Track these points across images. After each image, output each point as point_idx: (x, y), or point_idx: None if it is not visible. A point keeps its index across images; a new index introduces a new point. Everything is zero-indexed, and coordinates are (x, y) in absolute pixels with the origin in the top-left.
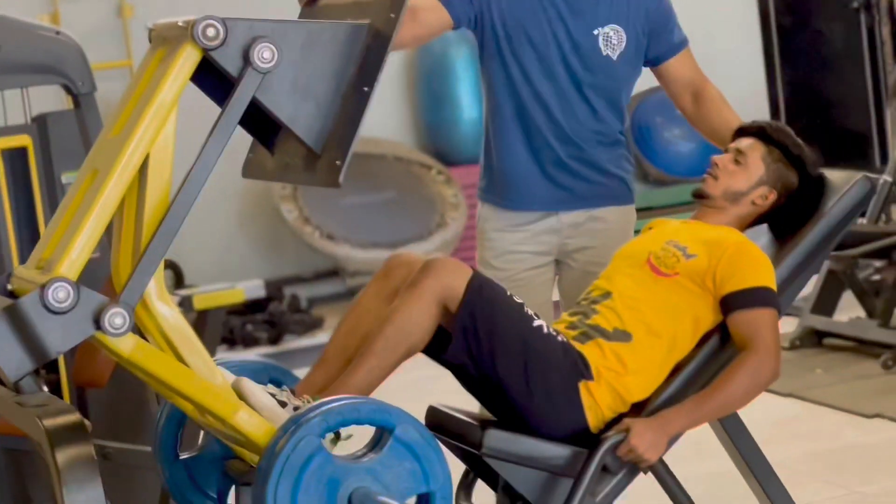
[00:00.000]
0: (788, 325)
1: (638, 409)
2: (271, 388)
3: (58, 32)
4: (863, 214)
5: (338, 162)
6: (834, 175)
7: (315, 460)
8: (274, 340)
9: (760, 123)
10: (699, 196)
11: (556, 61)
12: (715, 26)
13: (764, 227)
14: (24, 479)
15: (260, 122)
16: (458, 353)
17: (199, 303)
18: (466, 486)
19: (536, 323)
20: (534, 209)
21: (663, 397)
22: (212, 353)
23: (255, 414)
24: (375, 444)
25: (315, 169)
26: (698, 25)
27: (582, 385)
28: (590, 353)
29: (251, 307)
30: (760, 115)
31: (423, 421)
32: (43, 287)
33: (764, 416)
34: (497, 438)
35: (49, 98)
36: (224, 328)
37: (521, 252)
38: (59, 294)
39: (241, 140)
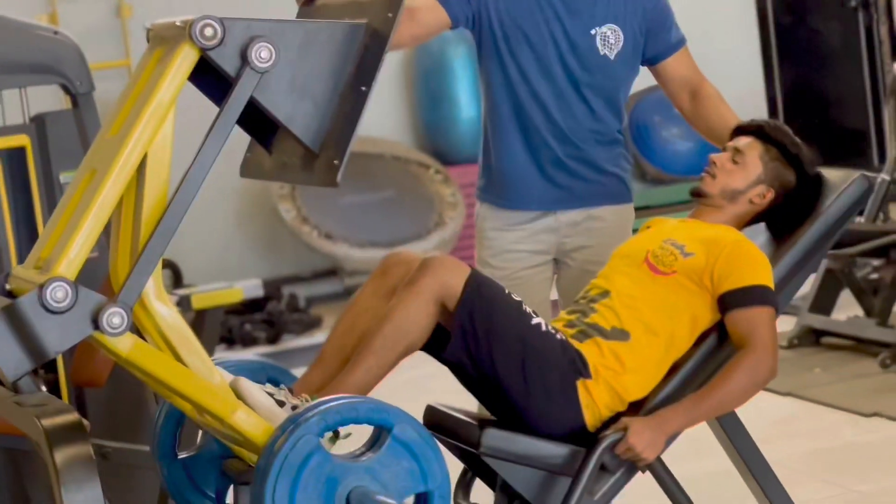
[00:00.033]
0: (786, 324)
1: (636, 408)
2: (269, 387)
3: (56, 32)
4: (861, 213)
5: (335, 161)
6: (831, 174)
7: (313, 459)
8: (272, 340)
9: (759, 122)
10: (697, 195)
11: (554, 61)
12: (713, 25)
13: (761, 225)
14: (22, 479)
15: (258, 122)
16: (457, 352)
17: (198, 302)
18: (465, 485)
19: (535, 321)
20: (532, 208)
21: (661, 396)
22: (210, 352)
23: (254, 413)
24: (374, 443)
25: (313, 168)
26: (696, 24)
27: (580, 383)
28: (588, 351)
29: (249, 306)
30: (758, 113)
31: (421, 420)
32: (41, 287)
33: (762, 414)
34: (495, 437)
35: (47, 98)
36: (222, 327)
37: (520, 251)
38: (58, 294)
39: (239, 140)
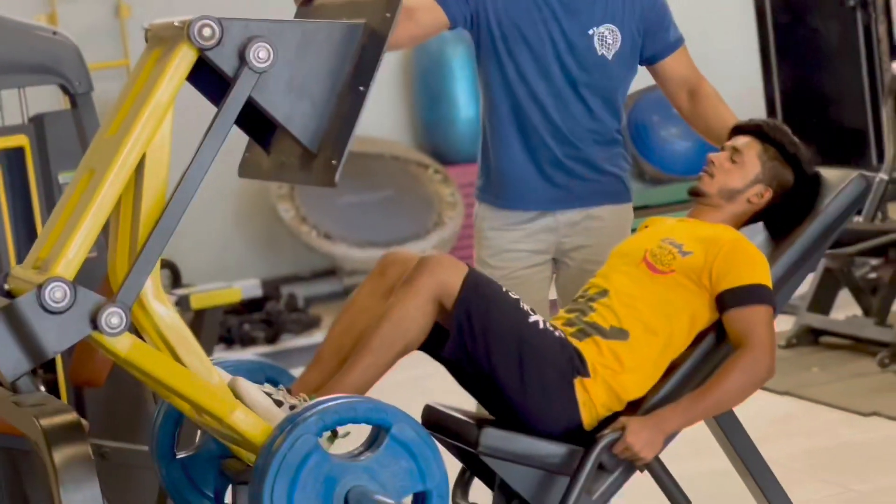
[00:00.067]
0: (785, 324)
1: (633, 407)
2: (267, 387)
3: (55, 33)
4: (859, 212)
5: (334, 161)
6: (829, 173)
7: (312, 459)
8: (271, 340)
9: (757, 122)
10: (695, 194)
11: (552, 61)
12: (711, 24)
13: (759, 225)
14: (21, 479)
15: (256, 122)
16: (454, 350)
17: (197, 302)
18: (463, 484)
19: (532, 318)
20: (530, 208)
21: (659, 396)
22: (209, 352)
23: (252, 413)
24: (372, 442)
25: (311, 168)
26: (694, 24)
27: (577, 381)
28: (587, 350)
29: (248, 306)
30: (757, 113)
31: (419, 420)
32: (40, 287)
33: (760, 414)
34: (493, 437)
35: (46, 98)
36: (221, 327)
37: (518, 250)
38: (56, 294)
39: (238, 139)
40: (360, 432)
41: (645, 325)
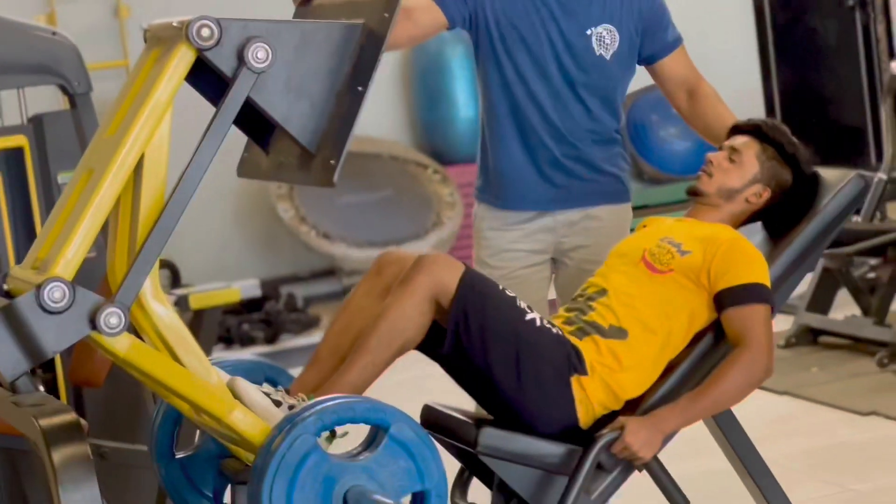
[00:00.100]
0: (784, 323)
1: (631, 406)
2: (266, 387)
3: (54, 33)
4: (858, 212)
5: (332, 161)
6: (828, 173)
7: (310, 459)
8: (271, 340)
9: (756, 121)
10: (693, 193)
11: (550, 61)
12: (710, 24)
13: (758, 224)
14: (20, 479)
15: (255, 122)
16: (451, 348)
17: (196, 302)
18: (462, 484)
19: (529, 316)
20: (529, 208)
21: (657, 396)
22: (208, 352)
23: (251, 413)
24: (371, 442)
25: (310, 168)
26: (693, 23)
27: (574, 379)
28: (585, 348)
29: (248, 306)
30: (756, 112)
31: (418, 419)
32: (39, 287)
33: (759, 413)
34: (492, 436)
35: (45, 98)
36: (221, 327)
37: (517, 250)
38: (55, 294)
39: (237, 139)
40: (359, 432)
41: (644, 324)
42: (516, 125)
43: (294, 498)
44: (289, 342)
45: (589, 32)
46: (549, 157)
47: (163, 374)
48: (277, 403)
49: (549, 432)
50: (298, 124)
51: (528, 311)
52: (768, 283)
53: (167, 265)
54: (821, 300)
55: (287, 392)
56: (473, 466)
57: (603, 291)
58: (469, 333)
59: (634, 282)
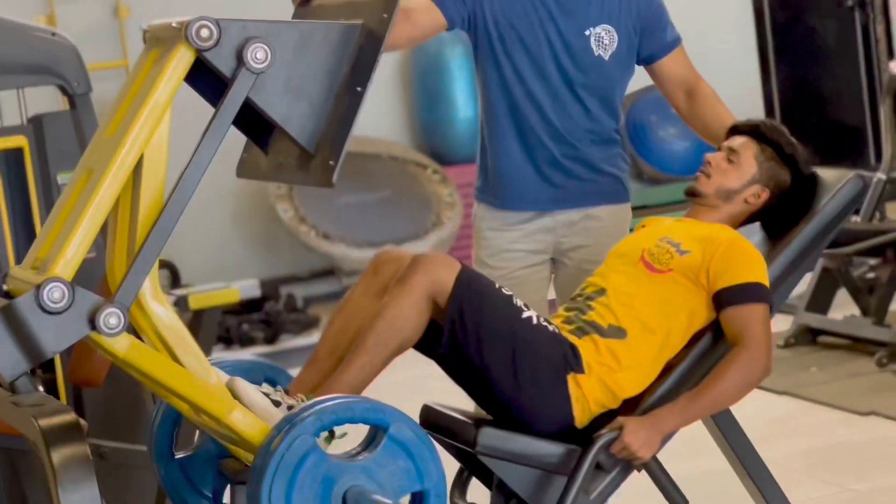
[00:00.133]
0: (783, 323)
1: (629, 405)
2: (265, 387)
3: (53, 34)
4: (857, 212)
5: (331, 162)
6: (827, 173)
7: (309, 459)
8: (270, 340)
9: (754, 122)
10: (692, 194)
11: (548, 61)
12: (709, 24)
13: (756, 225)
14: (20, 479)
15: (254, 122)
16: (448, 346)
17: (195, 302)
18: (461, 484)
19: (526, 314)
20: (528, 208)
21: (656, 395)
22: (207, 352)
23: (250, 413)
24: (370, 442)
25: (309, 169)
26: (692, 23)
27: (570, 377)
28: (584, 347)
29: (247, 307)
30: (755, 112)
31: (417, 419)
32: (38, 287)
33: (759, 413)
34: (491, 436)
35: (45, 99)
36: (220, 328)
37: (517, 251)
38: (55, 294)
39: (236, 139)
40: (358, 432)
41: (643, 324)
42: (515, 125)
43: (293, 498)
44: (288, 342)
45: (587, 33)
46: (548, 157)
47: (162, 375)
48: (276, 403)
49: (544, 430)
50: (297, 125)
51: (525, 309)
52: (767, 283)
53: (167, 265)
54: (820, 300)
55: (286, 392)
56: (472, 466)
57: (602, 291)
58: (465, 332)
59: (633, 282)
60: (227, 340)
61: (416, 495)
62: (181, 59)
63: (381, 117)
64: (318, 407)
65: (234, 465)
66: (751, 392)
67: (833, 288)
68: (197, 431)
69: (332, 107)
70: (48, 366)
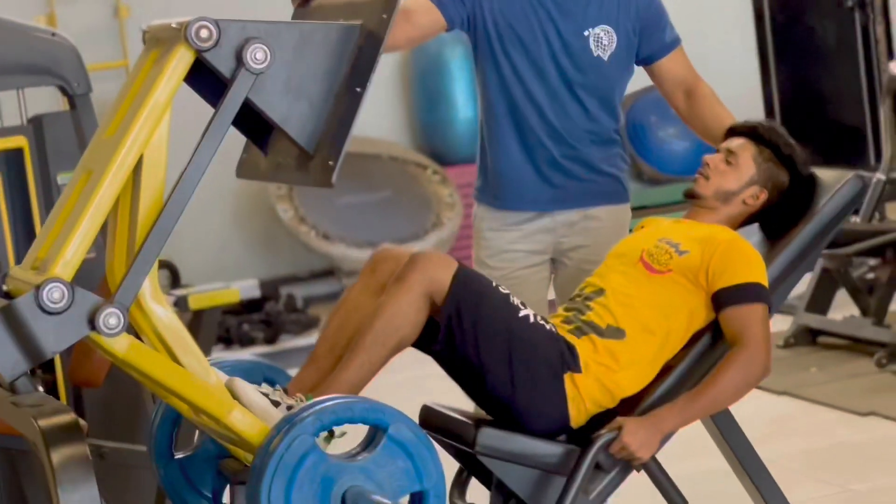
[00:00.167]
0: (783, 324)
1: (627, 405)
2: (265, 387)
3: (53, 34)
4: (856, 212)
5: (331, 162)
6: (826, 174)
7: (309, 459)
8: (270, 340)
9: (752, 123)
10: (691, 196)
11: (547, 61)
12: (709, 24)
13: (755, 225)
14: (19, 479)
15: (253, 123)
16: (444, 344)
17: (195, 303)
18: (460, 484)
19: (523, 313)
20: (528, 209)
21: (655, 396)
22: (207, 352)
23: (249, 413)
24: (369, 442)
25: (308, 169)
26: (692, 24)
27: (567, 377)
28: (582, 347)
29: (248, 307)
30: (755, 112)
31: (416, 420)
32: (38, 287)
33: (758, 413)
34: (490, 436)
35: (45, 99)
36: (220, 328)
37: (516, 251)
38: (54, 294)
39: (236, 140)
40: (358, 432)
41: (642, 324)
42: (514, 125)
43: (292, 498)
44: (288, 343)
45: (586, 34)
46: (548, 157)
47: (162, 375)
48: (276, 403)
49: (539, 429)
50: (297, 125)
51: (522, 307)
52: (766, 283)
53: (166, 265)
54: (820, 300)
55: (285, 391)
56: (472, 466)
57: (601, 291)
58: (462, 329)
59: (633, 282)
60: (227, 341)
61: (416, 495)
62: (181, 60)
63: (381, 118)
64: (317, 407)
65: (234, 466)
66: (750, 392)
67: (833, 288)
68: (196, 431)
69: (331, 107)
70: (48, 366)
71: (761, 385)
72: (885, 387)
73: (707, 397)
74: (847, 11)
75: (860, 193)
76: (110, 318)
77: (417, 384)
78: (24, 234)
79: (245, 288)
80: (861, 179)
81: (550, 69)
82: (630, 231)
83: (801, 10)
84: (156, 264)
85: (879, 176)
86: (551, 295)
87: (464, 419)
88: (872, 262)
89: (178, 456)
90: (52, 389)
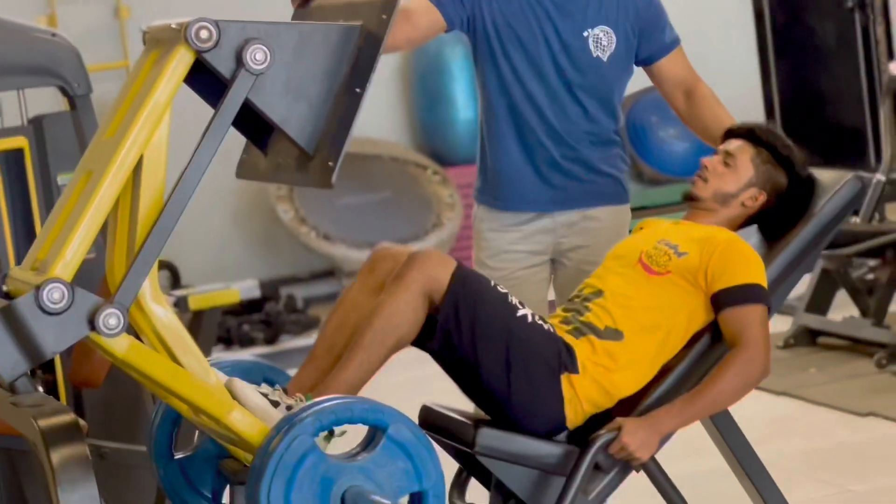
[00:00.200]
0: (782, 324)
1: (626, 406)
2: (264, 387)
3: (54, 34)
4: (856, 213)
5: (330, 163)
6: (824, 175)
7: (308, 459)
8: (270, 340)
9: (750, 125)
10: (689, 198)
11: (546, 62)
12: (709, 25)
13: (754, 227)
14: (19, 479)
15: (253, 123)
16: (441, 343)
17: (195, 303)
18: (460, 484)
19: (521, 312)
20: (527, 210)
21: (655, 396)
22: (206, 353)
23: (249, 413)
24: (369, 443)
25: (308, 169)
26: (692, 24)
27: (564, 377)
28: (580, 347)
29: (248, 307)
30: (755, 113)
31: (416, 420)
32: (38, 288)
33: (758, 414)
34: (489, 437)
35: (45, 100)
36: (221, 328)
37: (516, 251)
38: (54, 295)
39: (236, 140)
40: (357, 432)
41: (641, 325)
42: (514, 126)
43: (292, 498)
44: (288, 343)
45: (585, 34)
46: (547, 157)
47: (161, 375)
48: (275, 404)
49: (535, 428)
50: (297, 126)
51: (520, 307)
52: (765, 284)
53: (166, 266)
54: (819, 301)
55: (285, 391)
56: (471, 467)
57: (599, 292)
58: (460, 329)
59: (631, 283)
60: (227, 341)
61: (415, 496)
62: (181, 61)
63: (381, 118)
64: (316, 407)
65: (234, 466)
66: (749, 393)
67: (832, 289)
68: (196, 432)
69: (331, 108)
70: (48, 366)
71: (761, 386)
72: (885, 387)
73: (706, 398)
74: (847, 12)
75: (859, 194)
76: (110, 318)
77: (417, 384)
78: (24, 234)
79: (245, 288)
80: (860, 180)
81: (550, 70)
82: (629, 232)
83: (801, 10)
84: (156, 265)
85: (879, 176)
86: (551, 295)
87: (463, 419)
88: (872, 262)
89: (178, 456)
90: (52, 389)
